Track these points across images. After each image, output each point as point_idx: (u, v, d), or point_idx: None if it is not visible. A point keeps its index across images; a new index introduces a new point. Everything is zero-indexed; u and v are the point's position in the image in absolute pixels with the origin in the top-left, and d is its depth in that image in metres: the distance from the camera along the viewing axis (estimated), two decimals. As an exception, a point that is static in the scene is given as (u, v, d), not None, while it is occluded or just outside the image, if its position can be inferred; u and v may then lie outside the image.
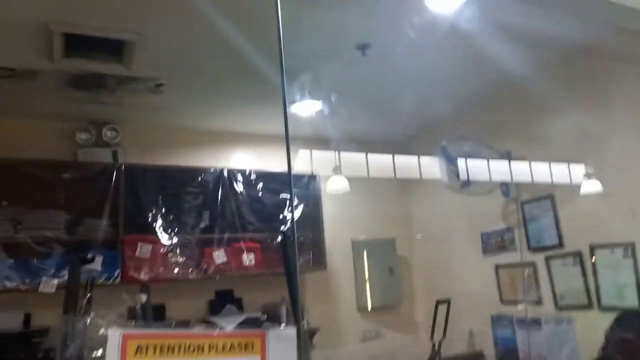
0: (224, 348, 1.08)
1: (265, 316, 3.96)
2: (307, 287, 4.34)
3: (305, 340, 1.07)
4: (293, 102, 3.68)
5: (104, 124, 3.66)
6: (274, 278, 4.07)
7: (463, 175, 4.22)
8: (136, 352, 1.02)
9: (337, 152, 4.22)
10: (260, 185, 4.04)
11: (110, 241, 3.29)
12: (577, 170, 3.73)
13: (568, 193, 3.74)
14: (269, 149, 4.23)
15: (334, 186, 4.28)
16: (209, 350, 1.07)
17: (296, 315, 1.13)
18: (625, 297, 3.39)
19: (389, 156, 4.41)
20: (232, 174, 3.93)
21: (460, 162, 4.21)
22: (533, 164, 3.96)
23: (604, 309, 3.50)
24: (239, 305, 3.98)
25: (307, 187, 4.29)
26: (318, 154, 4.18)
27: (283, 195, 4.11)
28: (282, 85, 1.76)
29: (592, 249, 3.63)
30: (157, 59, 2.94)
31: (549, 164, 3.84)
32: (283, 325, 1.13)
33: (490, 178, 4.18)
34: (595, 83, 3.59)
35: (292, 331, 1.15)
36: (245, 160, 4.33)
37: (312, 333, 4.20)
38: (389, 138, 4.56)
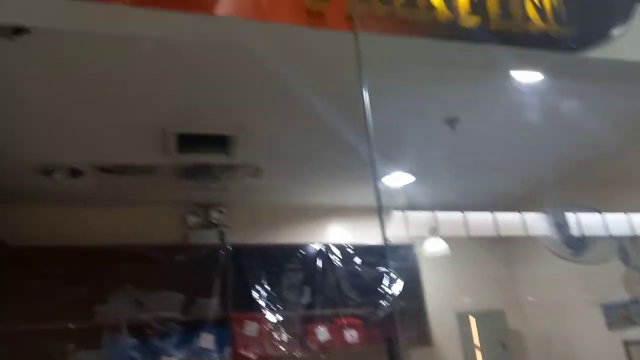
0: None
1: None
2: (412, 361, 4.18)
3: None
4: (385, 174, 3.75)
5: (211, 207, 3.97)
6: (377, 353, 3.98)
7: (573, 244, 3.95)
8: None
9: (432, 212, 4.16)
10: (358, 259, 4.06)
11: (221, 319, 3.44)
12: None
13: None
14: (364, 220, 4.28)
15: (431, 249, 4.17)
16: None
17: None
18: None
19: (489, 214, 4.26)
20: (329, 249, 4.00)
21: (570, 228, 3.95)
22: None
23: None
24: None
25: (404, 257, 4.23)
26: (413, 214, 4.14)
27: (381, 269, 4.09)
28: (372, 160, 1.82)
29: None
30: (257, 148, 3.19)
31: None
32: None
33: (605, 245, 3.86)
34: None
35: None
36: (341, 233, 4.39)
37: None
38: (486, 204, 4.42)
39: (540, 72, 2.10)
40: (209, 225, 3.94)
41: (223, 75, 2.42)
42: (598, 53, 1.90)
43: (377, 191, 2.10)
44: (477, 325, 4.53)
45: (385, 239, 3.16)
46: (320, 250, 3.97)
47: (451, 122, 3.03)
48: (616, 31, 1.93)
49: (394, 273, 4.13)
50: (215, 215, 3.97)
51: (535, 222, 4.09)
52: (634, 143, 3.56)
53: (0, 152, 2.90)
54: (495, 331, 4.54)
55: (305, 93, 2.45)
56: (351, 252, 4.05)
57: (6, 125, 2.62)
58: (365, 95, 1.77)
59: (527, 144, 3.47)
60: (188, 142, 3.03)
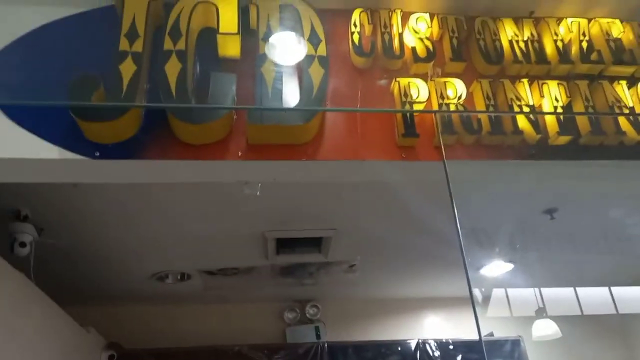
0: None
1: None
2: None
3: None
4: (482, 265, 3.69)
5: (307, 302, 4.08)
6: None
7: None
8: None
9: (538, 290, 3.94)
10: (460, 356, 3.89)
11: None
12: None
13: None
14: (461, 311, 4.16)
15: (540, 332, 3.90)
16: None
17: None
18: None
19: (604, 289, 3.99)
20: (428, 344, 3.89)
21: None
22: None
23: None
24: None
25: (511, 354, 3.99)
26: (516, 292, 3.94)
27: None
28: (462, 254, 1.83)
29: None
30: (350, 245, 3.30)
31: None
32: None
33: None
34: None
35: None
36: (438, 324, 4.29)
37: None
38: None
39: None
40: (305, 320, 4.04)
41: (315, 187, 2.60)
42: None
43: (470, 290, 2.10)
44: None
45: (479, 331, 3.06)
46: (418, 345, 3.87)
47: (550, 212, 3.00)
48: None
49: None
50: (311, 311, 4.07)
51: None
52: None
53: (122, 263, 3.26)
54: None
55: (395, 188, 2.53)
56: (451, 347, 3.91)
57: (126, 239, 2.97)
58: (454, 209, 1.83)
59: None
60: (285, 244, 3.22)
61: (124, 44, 1.76)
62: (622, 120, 1.87)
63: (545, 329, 3.90)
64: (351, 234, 3.15)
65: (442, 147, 1.77)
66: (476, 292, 4.10)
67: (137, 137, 1.74)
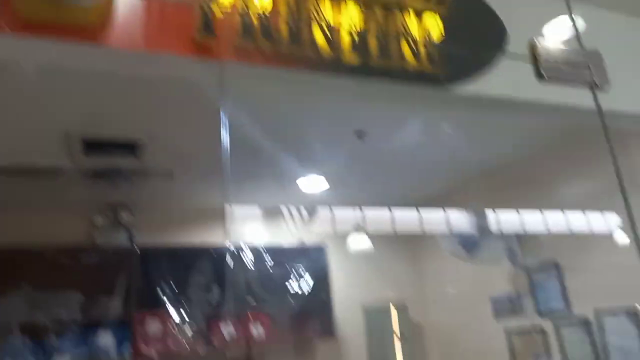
0: None
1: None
2: (317, 357, 4.42)
3: None
4: (299, 176, 3.92)
5: (119, 207, 3.96)
6: (284, 349, 4.18)
7: (468, 245, 4.34)
8: None
9: (359, 208, 4.38)
10: (269, 258, 4.21)
11: (122, 318, 3.48)
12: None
13: (575, 258, 3.82)
14: (277, 221, 4.43)
15: (354, 246, 4.41)
16: None
17: None
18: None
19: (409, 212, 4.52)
20: (240, 249, 4.12)
21: (466, 230, 4.33)
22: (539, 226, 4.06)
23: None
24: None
25: (315, 258, 4.44)
26: (341, 212, 4.31)
27: (291, 268, 4.27)
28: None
29: (598, 315, 3.65)
30: (167, 152, 3.24)
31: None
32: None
33: (497, 245, 4.27)
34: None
35: None
36: (254, 232, 4.52)
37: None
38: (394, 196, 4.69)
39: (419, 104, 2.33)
40: (118, 226, 3.93)
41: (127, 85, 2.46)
42: (466, 89, 2.15)
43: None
44: (380, 319, 4.85)
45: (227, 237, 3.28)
46: (231, 250, 4.08)
47: (360, 133, 3.26)
48: (483, 70, 2.19)
49: (302, 272, 4.34)
50: (124, 216, 3.96)
51: (437, 221, 4.45)
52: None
53: None
54: (398, 324, 4.88)
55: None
56: (262, 252, 4.19)
57: None
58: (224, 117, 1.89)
59: (429, 153, 3.76)
60: (94, 146, 3.03)
61: None
62: (406, 48, 2.06)
63: (359, 243, 4.43)
64: (167, 140, 3.09)
65: (240, 50, 1.79)
66: (294, 207, 4.41)
67: None
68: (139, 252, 3.67)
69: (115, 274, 3.53)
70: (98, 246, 3.71)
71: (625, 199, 2.01)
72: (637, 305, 3.37)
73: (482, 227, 4.27)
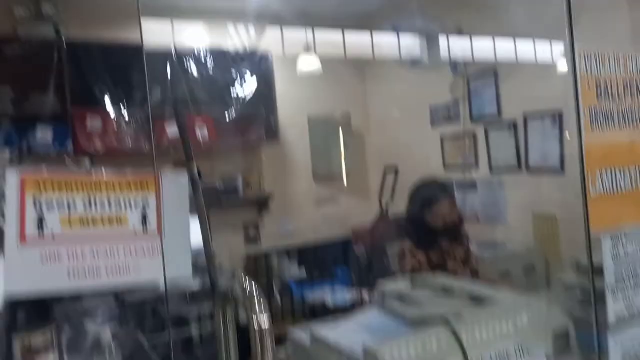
0: (120, 185, 1.28)
1: (222, 186, 4.25)
2: (263, 158, 4.60)
3: (196, 180, 1.27)
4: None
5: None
6: (228, 151, 4.31)
7: (414, 53, 4.32)
8: (35, 190, 1.16)
9: (311, 29, 4.21)
10: (211, 61, 4.07)
11: (60, 115, 3.39)
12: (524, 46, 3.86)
13: (511, 67, 3.91)
14: (218, 23, 4.19)
15: (304, 67, 4.37)
16: (106, 188, 1.26)
17: (187, 154, 1.32)
18: (549, 160, 3.74)
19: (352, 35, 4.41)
20: (181, 50, 3.94)
21: (412, 40, 4.27)
22: (481, 40, 4.06)
23: (531, 171, 3.87)
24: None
25: (259, 66, 4.35)
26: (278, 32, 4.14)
27: (235, 72, 4.18)
28: None
29: (526, 119, 3.89)
30: None
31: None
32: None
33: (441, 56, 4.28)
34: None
35: (184, 171, 1.34)
36: (194, 33, 4.28)
37: (266, 198, 4.54)
38: (340, 15, 4.51)
39: None
40: (42, 19, 3.59)
41: None
42: None
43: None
44: (325, 127, 5.01)
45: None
46: (171, 51, 3.89)
47: None
48: None
49: (247, 77, 4.28)
50: (47, 8, 3.60)
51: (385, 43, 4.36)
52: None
53: None
54: (342, 132, 5.08)
55: None
56: (204, 55, 4.03)
57: None
58: None
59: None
60: None
61: None
62: None
63: (309, 65, 4.37)
64: None
65: None
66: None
67: None
68: (65, 46, 3.42)
69: (44, 69, 3.32)
70: (21, 37, 3.42)
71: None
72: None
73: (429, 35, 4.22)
